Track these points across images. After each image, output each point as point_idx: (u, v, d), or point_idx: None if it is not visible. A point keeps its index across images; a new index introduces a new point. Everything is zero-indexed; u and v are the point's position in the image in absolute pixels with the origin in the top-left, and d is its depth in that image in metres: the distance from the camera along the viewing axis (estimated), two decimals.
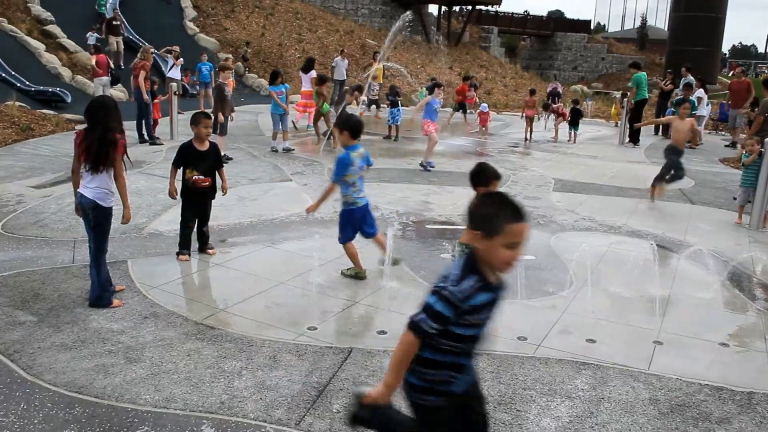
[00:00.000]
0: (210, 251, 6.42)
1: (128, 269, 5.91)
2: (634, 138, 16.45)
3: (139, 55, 13.71)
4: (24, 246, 6.47)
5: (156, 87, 14.04)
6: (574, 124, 16.59)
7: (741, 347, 4.90)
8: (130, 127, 13.68)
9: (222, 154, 9.67)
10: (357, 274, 5.92)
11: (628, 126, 16.55)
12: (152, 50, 14.64)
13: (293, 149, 12.62)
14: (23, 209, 7.81)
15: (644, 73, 17.44)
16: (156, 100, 13.53)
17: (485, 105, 17.50)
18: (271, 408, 3.72)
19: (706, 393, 4.11)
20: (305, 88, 15.78)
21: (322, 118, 13.82)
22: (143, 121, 12.99)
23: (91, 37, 21.71)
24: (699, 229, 8.19)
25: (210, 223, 7.30)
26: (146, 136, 12.96)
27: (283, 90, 12.60)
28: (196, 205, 6.29)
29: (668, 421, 3.77)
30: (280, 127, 12.57)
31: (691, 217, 8.86)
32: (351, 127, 5.74)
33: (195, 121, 6.36)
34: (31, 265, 5.94)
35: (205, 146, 6.35)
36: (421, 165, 11.47)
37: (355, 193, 5.80)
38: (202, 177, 6.23)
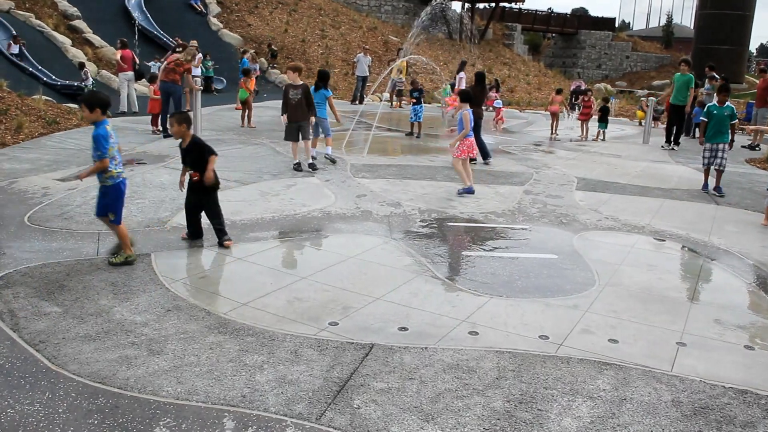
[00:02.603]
0: (226, 243, 6.48)
1: (152, 262, 5.96)
2: (673, 138, 15.43)
3: (182, 55, 13.77)
4: (49, 238, 6.55)
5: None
6: (603, 121, 16.48)
7: (766, 350, 4.83)
8: (144, 121, 13.93)
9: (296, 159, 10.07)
10: (127, 259, 5.87)
11: (665, 129, 15.81)
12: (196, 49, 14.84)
13: (335, 161, 11.34)
14: (48, 201, 7.90)
15: (691, 74, 15.49)
16: (156, 96, 13.58)
17: (499, 101, 17.44)
18: (292, 402, 3.73)
19: (731, 396, 4.06)
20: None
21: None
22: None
23: (154, 67, 21.84)
24: (724, 230, 8.08)
25: (233, 217, 7.40)
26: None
27: (330, 94, 11.91)
28: (190, 197, 6.58)
29: (691, 424, 3.72)
30: (320, 133, 11.36)
31: (716, 218, 8.75)
32: (101, 103, 5.88)
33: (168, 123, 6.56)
34: (57, 256, 6.01)
35: (186, 143, 6.57)
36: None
37: (117, 167, 5.90)
38: (192, 172, 6.52)
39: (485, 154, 11.98)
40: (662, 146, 15.34)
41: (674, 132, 15.44)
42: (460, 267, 6.36)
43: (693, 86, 15.37)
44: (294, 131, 10.24)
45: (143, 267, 5.82)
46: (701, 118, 10.68)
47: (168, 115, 12.95)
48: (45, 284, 5.32)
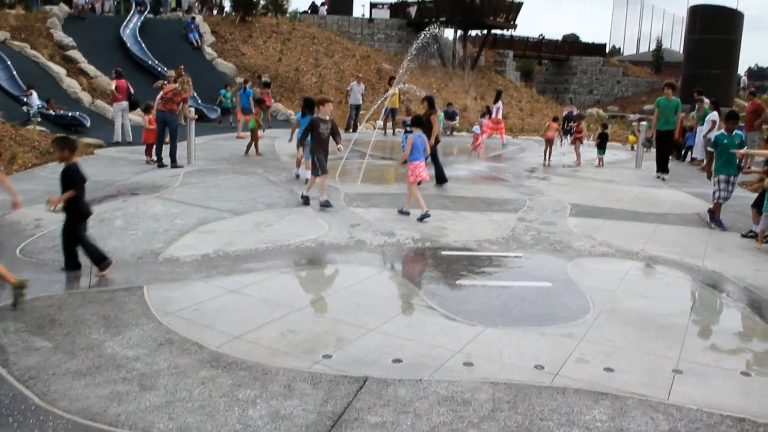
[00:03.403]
0: (98, 273, 6.41)
1: (144, 295, 5.92)
2: (662, 167, 14.76)
3: (177, 84, 13.94)
4: (41, 270, 6.51)
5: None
6: (602, 147, 16.58)
7: (763, 376, 4.81)
8: (138, 151, 13.93)
9: (323, 198, 9.77)
10: (17, 290, 5.58)
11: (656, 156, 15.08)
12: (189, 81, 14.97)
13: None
14: (41, 233, 7.88)
15: (677, 99, 14.95)
16: (151, 126, 13.62)
17: (477, 127, 17.56)
18: None
19: (728, 424, 4.02)
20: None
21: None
22: (168, 146, 13.15)
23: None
24: (717, 255, 8.09)
25: (227, 248, 7.39)
26: (171, 160, 13.09)
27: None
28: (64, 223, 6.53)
29: None
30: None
31: (709, 242, 8.76)
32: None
33: None
34: (48, 290, 5.97)
35: (63, 168, 6.48)
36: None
37: None
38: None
39: (441, 177, 12.25)
40: (657, 176, 14.68)
41: (663, 159, 14.86)
42: (454, 296, 6.33)
43: (680, 110, 14.91)
44: (323, 166, 9.86)
45: (136, 300, 5.78)
46: (708, 148, 10.35)
47: (160, 145, 13.14)
48: (36, 318, 5.28)
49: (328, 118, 9.96)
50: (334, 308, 5.75)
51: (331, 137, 9.99)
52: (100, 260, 6.46)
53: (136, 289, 6.04)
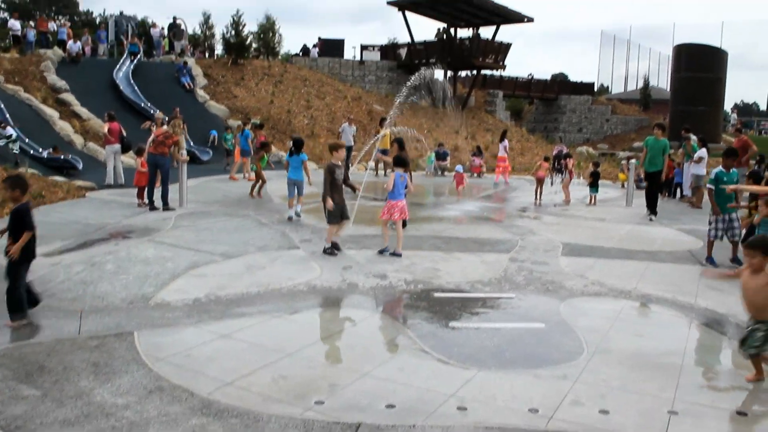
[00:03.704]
0: (8, 323, 6.22)
1: (135, 341, 5.86)
2: (652, 207, 14.37)
3: (167, 126, 14.07)
4: (30, 316, 6.45)
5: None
6: (594, 186, 16.68)
7: (760, 416, 4.78)
8: (130, 194, 13.93)
9: (328, 244, 9.55)
10: None
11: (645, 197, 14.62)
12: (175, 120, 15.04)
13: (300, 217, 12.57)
14: (31, 278, 7.77)
15: (665, 140, 14.37)
16: (143, 168, 13.66)
17: (460, 166, 17.57)
18: None
19: None
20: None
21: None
22: (159, 189, 13.17)
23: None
24: (710, 292, 8.08)
25: (218, 292, 7.36)
26: (163, 203, 13.10)
27: (305, 158, 12.85)
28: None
29: None
30: (295, 193, 12.52)
31: (702, 279, 8.77)
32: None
33: None
34: (37, 336, 5.92)
35: (13, 208, 6.45)
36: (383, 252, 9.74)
37: None
38: (9, 238, 6.40)
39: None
40: (649, 218, 14.13)
41: (651, 200, 14.45)
42: (447, 339, 6.30)
43: (668, 152, 14.51)
44: (338, 213, 9.61)
45: (126, 346, 5.73)
46: (708, 185, 10.13)
47: (151, 188, 13.16)
48: (23, 365, 5.22)
49: (340, 163, 9.83)
50: (327, 352, 5.71)
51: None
52: (18, 311, 6.30)
53: (127, 335, 5.99)
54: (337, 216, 9.60)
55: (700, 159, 16.90)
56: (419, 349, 5.90)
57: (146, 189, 13.38)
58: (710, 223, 9.87)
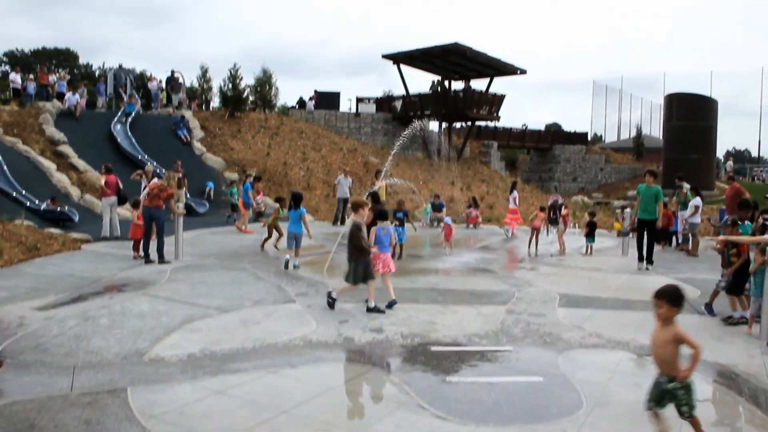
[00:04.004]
0: None
1: (128, 397, 5.78)
2: (646, 257, 14.08)
3: (163, 179, 14.26)
4: (22, 372, 6.37)
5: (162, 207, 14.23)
6: (590, 236, 16.71)
7: None
8: (126, 246, 13.90)
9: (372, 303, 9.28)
10: None
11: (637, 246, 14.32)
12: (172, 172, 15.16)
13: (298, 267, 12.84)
14: (24, 332, 7.75)
15: (657, 187, 14.11)
16: (139, 221, 13.68)
17: (449, 218, 17.40)
18: None
19: None
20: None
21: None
22: (153, 241, 13.19)
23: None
24: (709, 341, 8.03)
25: (213, 347, 7.29)
26: (158, 256, 13.09)
27: (304, 212, 13.31)
28: None
29: None
30: (294, 246, 13.05)
31: (700, 328, 8.73)
32: None
33: None
34: (29, 392, 5.83)
35: None
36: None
37: None
38: None
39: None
40: (645, 268, 13.90)
41: (647, 249, 14.10)
42: (444, 394, 6.22)
43: (661, 199, 14.10)
44: (363, 273, 9.37)
45: (119, 403, 5.64)
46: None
47: (149, 241, 13.17)
48: (13, 423, 5.13)
49: (362, 221, 9.54)
50: (323, 409, 5.63)
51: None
52: None
53: (120, 391, 5.91)
54: (361, 276, 9.32)
55: (696, 209, 17.00)
56: (416, 404, 5.82)
57: (141, 242, 13.38)
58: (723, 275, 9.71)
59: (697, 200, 17.21)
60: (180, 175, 21.59)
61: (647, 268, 13.86)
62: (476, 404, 5.86)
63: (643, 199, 14.03)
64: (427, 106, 39.43)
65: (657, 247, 15.50)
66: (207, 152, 28.68)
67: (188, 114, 31.89)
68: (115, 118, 28.55)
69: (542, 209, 17.92)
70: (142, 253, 13.29)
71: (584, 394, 6.10)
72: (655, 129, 62.05)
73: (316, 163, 30.60)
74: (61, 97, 30.10)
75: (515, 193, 21.88)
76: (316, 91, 42.03)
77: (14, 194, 19.16)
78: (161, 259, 13.04)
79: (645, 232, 14.11)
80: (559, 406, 5.85)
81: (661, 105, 50.34)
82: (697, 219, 17.18)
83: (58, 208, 18.64)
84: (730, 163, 59.04)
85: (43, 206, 18.71)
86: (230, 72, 33.41)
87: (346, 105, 45.76)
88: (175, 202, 13.98)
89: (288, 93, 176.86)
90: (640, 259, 14.16)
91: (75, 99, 28.80)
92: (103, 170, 17.24)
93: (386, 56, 39.46)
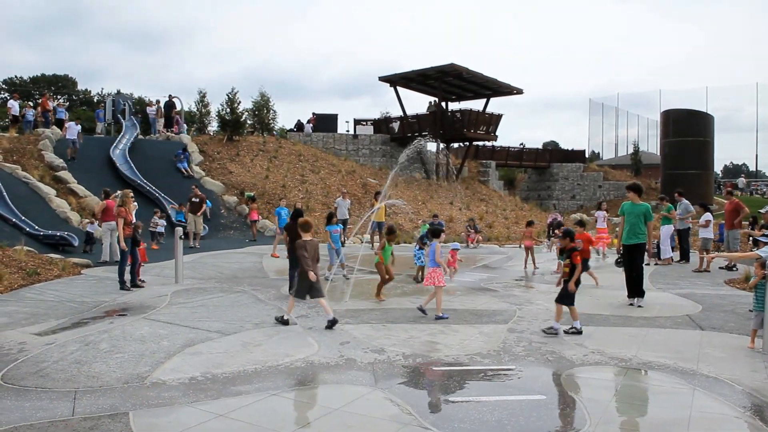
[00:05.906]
0: None
1: (129, 422, 5.75)
2: (636, 290, 11.63)
3: (118, 201, 13.69)
4: (23, 398, 6.34)
5: (140, 231, 14.08)
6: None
7: None
8: (113, 271, 13.88)
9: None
10: None
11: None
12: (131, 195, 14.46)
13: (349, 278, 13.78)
14: (24, 358, 7.72)
15: (645, 204, 11.73)
16: (141, 246, 13.63)
17: (457, 244, 17.24)
18: None
19: None
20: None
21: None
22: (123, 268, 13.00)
23: (172, 211, 23.40)
24: (711, 357, 8.02)
25: (214, 370, 7.27)
26: (127, 283, 12.93)
27: (339, 228, 13.48)
28: None
29: None
30: (336, 260, 13.99)
31: (702, 344, 8.71)
32: None
33: None
34: (29, 419, 5.79)
35: None
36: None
37: None
38: None
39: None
40: (638, 306, 11.47)
41: (635, 280, 11.63)
42: (447, 414, 6.19)
43: (651, 219, 11.67)
44: (307, 289, 9.60)
45: (121, 427, 5.61)
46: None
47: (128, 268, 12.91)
48: None
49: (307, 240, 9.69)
50: (325, 431, 5.60)
51: None
52: None
53: (122, 416, 5.88)
54: (305, 292, 9.55)
55: (708, 222, 16.98)
56: (419, 425, 5.79)
57: (138, 267, 13.31)
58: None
59: (707, 215, 17.21)
60: (197, 200, 21.73)
61: (640, 306, 11.44)
62: (480, 424, 5.83)
63: (628, 220, 11.61)
64: (425, 127, 39.55)
65: (651, 262, 15.37)
66: (206, 176, 28.77)
67: (186, 138, 32.00)
68: (116, 140, 28.58)
69: (529, 224, 17.86)
70: (142, 277, 13.28)
71: (588, 412, 6.07)
72: (652, 145, 62.30)
73: (315, 186, 30.66)
74: (60, 123, 30.14)
75: (603, 211, 20.71)
76: (313, 114, 42.15)
77: (14, 220, 19.17)
78: (132, 282, 12.97)
79: (633, 261, 11.60)
80: (564, 424, 5.83)
81: (657, 121, 50.57)
82: (710, 233, 17.11)
83: (58, 233, 18.57)
84: (742, 178, 59.26)
85: (43, 232, 18.61)
86: (228, 96, 33.59)
87: (344, 127, 45.96)
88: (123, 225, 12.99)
89: (286, 116, 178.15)
90: (630, 294, 11.76)
91: (77, 129, 27.84)
92: (102, 195, 17.28)
93: (383, 78, 39.69)
